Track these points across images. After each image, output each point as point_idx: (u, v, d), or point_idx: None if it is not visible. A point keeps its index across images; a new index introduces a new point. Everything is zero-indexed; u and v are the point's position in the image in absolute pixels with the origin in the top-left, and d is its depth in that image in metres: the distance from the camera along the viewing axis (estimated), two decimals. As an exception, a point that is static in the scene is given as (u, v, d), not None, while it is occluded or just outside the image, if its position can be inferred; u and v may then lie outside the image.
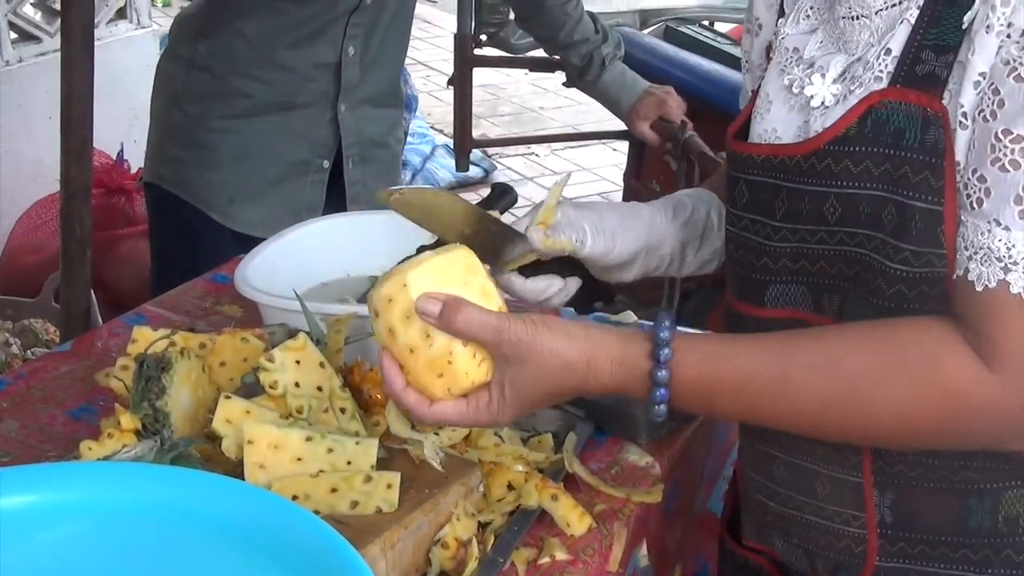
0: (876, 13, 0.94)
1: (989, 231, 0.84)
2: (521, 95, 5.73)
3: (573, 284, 1.16)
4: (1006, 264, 0.83)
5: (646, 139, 2.36)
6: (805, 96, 0.98)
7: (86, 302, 1.82)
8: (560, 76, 2.53)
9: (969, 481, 0.95)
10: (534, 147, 5.07)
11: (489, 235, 1.09)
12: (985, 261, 0.84)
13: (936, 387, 0.88)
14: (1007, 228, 0.83)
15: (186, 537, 0.80)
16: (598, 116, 2.67)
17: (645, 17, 3.69)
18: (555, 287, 1.14)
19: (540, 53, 2.69)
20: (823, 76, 0.97)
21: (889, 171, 0.90)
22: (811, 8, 1.02)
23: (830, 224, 0.95)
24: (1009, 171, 0.82)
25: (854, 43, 0.96)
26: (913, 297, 0.90)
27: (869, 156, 0.91)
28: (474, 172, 4.80)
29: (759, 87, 1.07)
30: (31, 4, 3.19)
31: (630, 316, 1.57)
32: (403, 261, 1.00)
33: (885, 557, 1.00)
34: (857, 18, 0.95)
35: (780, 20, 1.06)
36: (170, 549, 0.80)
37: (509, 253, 1.10)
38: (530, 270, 1.13)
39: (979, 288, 0.85)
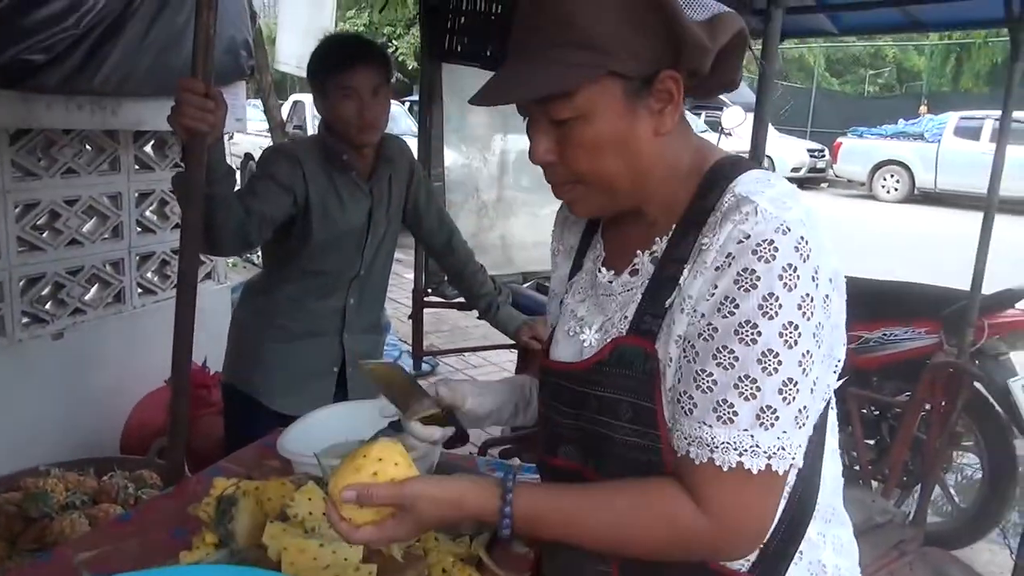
0: (619, 294, 1.00)
1: (699, 428, 0.87)
2: (455, 319, 5.85)
3: (448, 431, 1.16)
4: (711, 448, 0.86)
5: (527, 346, 2.40)
6: (580, 338, 1.02)
7: (181, 459, 1.81)
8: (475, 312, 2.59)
9: (675, 574, 0.96)
10: (464, 352, 5.16)
11: (415, 393, 1.15)
12: (699, 446, 0.87)
13: (670, 523, 0.88)
14: (710, 426, 0.86)
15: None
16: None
17: (525, 276, 3.86)
18: (438, 434, 1.14)
19: (463, 300, 2.76)
20: (590, 328, 1.02)
21: (626, 383, 0.94)
22: (581, 289, 1.08)
23: (592, 412, 0.97)
24: (707, 393, 0.86)
25: (608, 310, 1.01)
26: (643, 461, 0.93)
27: (615, 374, 0.95)
28: (425, 368, 4.83)
29: (554, 329, 1.11)
30: (151, 272, 3.25)
31: (516, 461, 1.61)
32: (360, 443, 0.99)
33: None
34: (609, 296, 1.01)
35: (566, 294, 1.11)
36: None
37: (421, 406, 1.14)
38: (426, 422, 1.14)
39: (697, 463, 0.87)
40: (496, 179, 4.15)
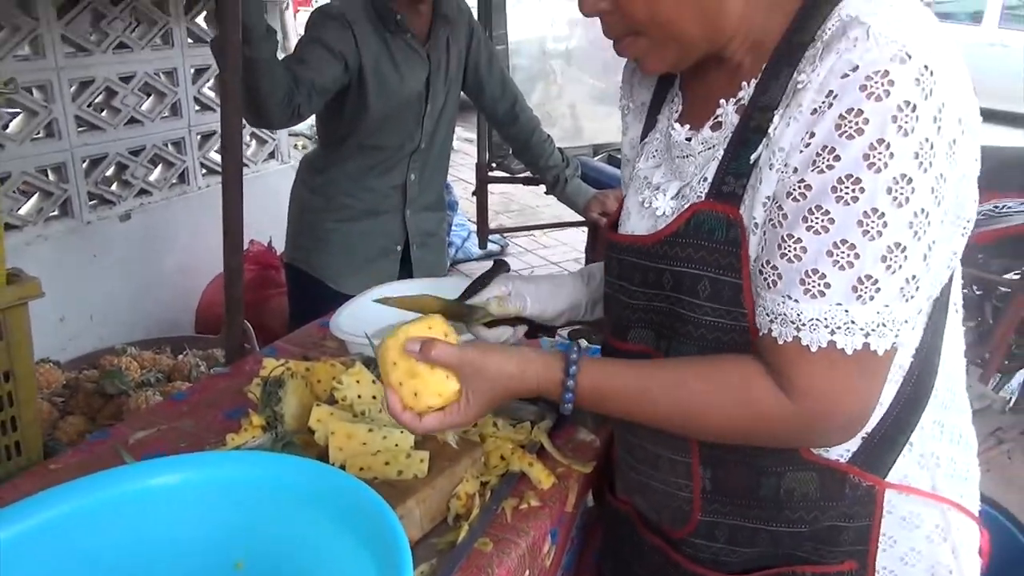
0: (698, 154, 0.87)
1: (784, 303, 0.76)
2: (525, 198, 5.67)
3: (520, 330, 1.10)
4: (797, 325, 0.75)
5: (597, 222, 2.26)
6: (652, 208, 0.91)
7: (240, 340, 1.79)
8: (543, 187, 2.48)
9: (763, 464, 0.87)
10: (533, 231, 5.02)
11: (459, 311, 1.04)
12: (783, 323, 0.76)
13: (748, 406, 0.79)
14: (796, 300, 0.75)
15: (277, 499, 0.75)
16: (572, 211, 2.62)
17: (596, 149, 3.63)
18: (508, 333, 1.08)
19: (529, 174, 2.63)
20: (664, 194, 0.90)
21: (704, 256, 0.83)
22: (655, 152, 0.96)
23: (665, 290, 0.88)
24: (793, 262, 0.75)
25: (685, 173, 0.89)
26: (725, 341, 0.83)
27: (691, 246, 0.84)
28: (493, 248, 4.69)
29: (624, 200, 1.00)
30: (214, 151, 3.20)
31: (583, 342, 1.53)
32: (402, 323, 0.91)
33: (705, 513, 0.92)
34: (686, 157, 0.89)
35: (638, 159, 0.99)
36: (269, 506, 0.76)
37: (473, 318, 1.05)
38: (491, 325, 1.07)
39: (780, 342, 0.77)
40: (565, 42, 3.84)
